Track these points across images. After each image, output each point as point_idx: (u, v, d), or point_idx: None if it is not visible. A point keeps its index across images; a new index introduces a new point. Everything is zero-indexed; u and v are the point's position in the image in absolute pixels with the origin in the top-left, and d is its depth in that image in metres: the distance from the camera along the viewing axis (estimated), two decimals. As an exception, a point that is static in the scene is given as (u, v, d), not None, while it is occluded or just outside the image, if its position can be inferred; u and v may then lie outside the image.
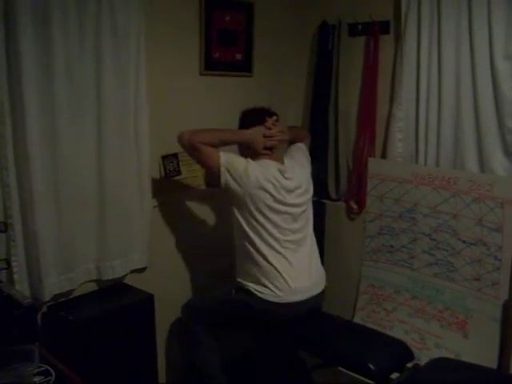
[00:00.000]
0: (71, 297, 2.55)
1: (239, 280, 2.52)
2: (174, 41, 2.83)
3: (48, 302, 2.41)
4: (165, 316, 2.88)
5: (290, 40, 3.49)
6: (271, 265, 2.42)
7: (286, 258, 2.45)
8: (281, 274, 2.42)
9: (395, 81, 3.04)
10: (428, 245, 2.97)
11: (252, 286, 2.45)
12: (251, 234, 2.43)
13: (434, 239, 2.94)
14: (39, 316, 2.38)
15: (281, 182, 2.45)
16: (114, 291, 2.67)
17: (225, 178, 2.38)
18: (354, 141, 3.29)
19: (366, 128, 3.19)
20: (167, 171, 2.85)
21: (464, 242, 2.82)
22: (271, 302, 2.41)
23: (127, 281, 2.77)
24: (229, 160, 2.39)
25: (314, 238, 2.64)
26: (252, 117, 2.56)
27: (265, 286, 2.42)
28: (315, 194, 2.80)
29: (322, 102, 3.33)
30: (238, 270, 2.57)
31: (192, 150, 2.39)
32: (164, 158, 2.82)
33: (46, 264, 2.33)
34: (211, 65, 3.01)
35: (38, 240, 2.29)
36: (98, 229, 2.57)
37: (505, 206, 2.65)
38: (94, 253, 2.58)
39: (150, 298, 2.65)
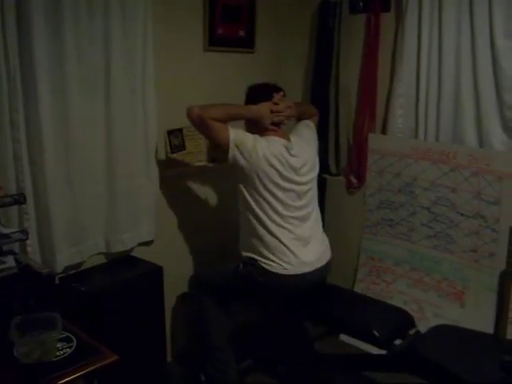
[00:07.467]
0: (81, 269, 2.61)
1: (245, 254, 2.55)
2: (178, 18, 2.85)
3: (59, 273, 2.46)
4: (171, 289, 2.91)
5: (292, 17, 3.51)
6: (276, 238, 2.45)
7: (291, 232, 2.48)
8: (286, 247, 2.45)
9: (396, 57, 3.08)
10: (427, 218, 3.05)
11: (258, 259, 2.48)
12: (256, 210, 2.46)
13: (433, 212, 3.01)
14: (53, 287, 2.43)
15: (287, 159, 2.47)
16: (122, 263, 2.72)
17: (233, 153, 2.40)
18: (354, 116, 3.34)
19: (366, 104, 3.24)
20: (172, 146, 2.88)
21: (462, 215, 2.90)
22: (277, 273, 2.44)
23: (135, 253, 2.82)
24: (238, 136, 2.41)
25: (319, 214, 2.67)
26: (259, 92, 2.58)
27: (270, 260, 2.45)
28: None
29: (322, 78, 3.37)
30: (242, 244, 2.59)
31: (201, 125, 2.40)
32: (169, 133, 2.85)
33: (57, 237, 2.38)
34: (215, 41, 3.04)
35: (50, 213, 2.33)
36: (107, 203, 2.62)
37: (503, 180, 2.73)
38: (103, 226, 2.63)
39: (158, 270, 2.70)
